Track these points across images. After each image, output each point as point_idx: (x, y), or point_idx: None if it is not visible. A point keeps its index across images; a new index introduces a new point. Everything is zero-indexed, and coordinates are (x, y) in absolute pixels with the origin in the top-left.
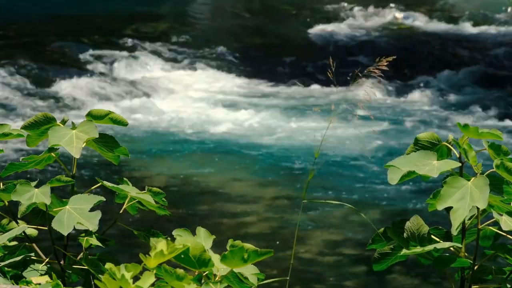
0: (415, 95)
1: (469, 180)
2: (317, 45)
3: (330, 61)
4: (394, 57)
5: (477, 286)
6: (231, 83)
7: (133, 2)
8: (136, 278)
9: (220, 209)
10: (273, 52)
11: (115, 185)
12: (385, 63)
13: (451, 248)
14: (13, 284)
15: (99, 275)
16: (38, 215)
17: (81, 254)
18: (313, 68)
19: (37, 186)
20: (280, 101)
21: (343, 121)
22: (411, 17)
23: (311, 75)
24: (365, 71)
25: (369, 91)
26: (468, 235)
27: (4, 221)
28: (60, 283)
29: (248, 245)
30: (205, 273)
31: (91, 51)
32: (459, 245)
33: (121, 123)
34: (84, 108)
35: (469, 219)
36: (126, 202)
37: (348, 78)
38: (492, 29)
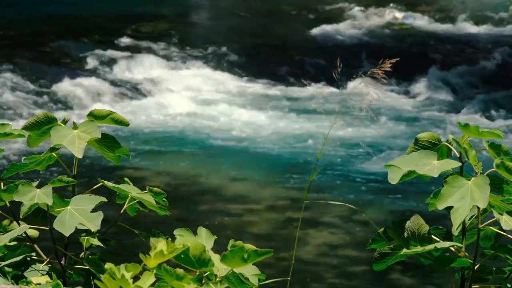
0: (415, 95)
1: (469, 179)
2: (317, 45)
3: (338, 61)
4: (398, 59)
5: (477, 286)
6: (231, 83)
7: (133, 2)
8: (136, 278)
9: (220, 209)
10: (273, 52)
11: (116, 185)
12: (389, 65)
13: (451, 248)
14: (13, 284)
15: (100, 275)
16: (39, 215)
17: (82, 254)
18: (313, 68)
19: (38, 187)
20: (281, 101)
21: (345, 121)
22: (411, 17)
23: (312, 75)
24: (369, 72)
25: (372, 92)
26: (469, 235)
27: (5, 222)
28: (60, 283)
29: (248, 245)
30: (206, 274)
31: (91, 51)
32: (460, 245)
33: (123, 123)
34: (84, 108)
35: (470, 219)
36: (127, 202)
37: (353, 78)
38: (492, 29)
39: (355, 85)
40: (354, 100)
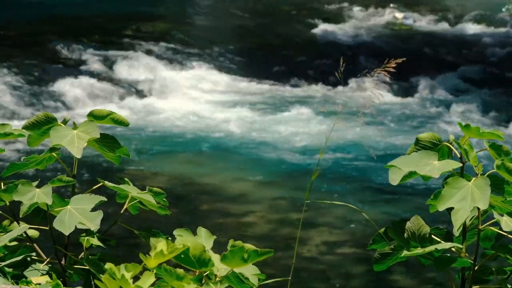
0: (415, 95)
1: (470, 180)
2: (318, 45)
3: (341, 61)
4: (404, 59)
5: (477, 287)
6: (231, 83)
7: (133, 2)
8: (136, 278)
9: (220, 209)
10: (273, 52)
11: (116, 185)
12: (393, 65)
13: (452, 249)
14: (13, 284)
15: (100, 275)
16: (39, 215)
17: (82, 254)
18: (313, 68)
19: (38, 186)
20: (281, 101)
21: (348, 121)
22: (411, 17)
23: (312, 75)
24: (372, 72)
25: (375, 92)
26: (469, 236)
27: (5, 222)
28: (60, 283)
29: (248, 245)
30: (206, 273)
31: (91, 51)
32: (460, 246)
33: (122, 123)
34: (84, 108)
35: (470, 219)
36: (127, 202)
37: (358, 76)
38: (492, 29)
39: (358, 85)
40: (357, 100)
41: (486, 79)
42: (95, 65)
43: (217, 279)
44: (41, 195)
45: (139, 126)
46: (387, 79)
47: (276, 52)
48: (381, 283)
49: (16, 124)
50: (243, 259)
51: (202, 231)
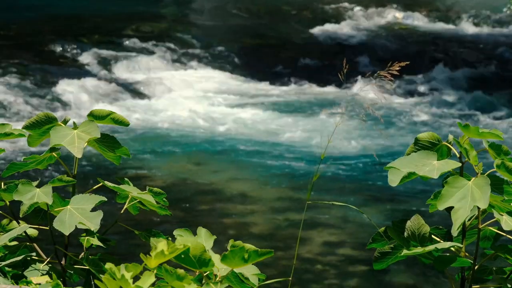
0: (415, 95)
1: (469, 180)
2: (318, 45)
3: (344, 62)
4: (408, 62)
5: (477, 286)
6: (231, 83)
7: (133, 2)
8: (136, 278)
9: (220, 209)
10: (273, 52)
11: (116, 185)
12: (397, 68)
13: (452, 248)
14: (13, 284)
15: (100, 275)
16: (39, 215)
17: (82, 254)
18: (313, 68)
19: (38, 186)
20: (281, 101)
21: (349, 123)
22: (411, 17)
23: (312, 75)
24: (375, 75)
25: (378, 94)
26: (469, 235)
27: (5, 221)
28: (60, 283)
29: (249, 245)
30: (206, 273)
31: (91, 51)
32: (460, 245)
33: (123, 123)
34: (84, 108)
35: (469, 220)
36: (127, 202)
37: (363, 77)
38: (492, 29)
39: (360, 86)
40: (359, 101)
41: (486, 78)
42: (95, 65)
43: (217, 279)
44: (41, 195)
45: (139, 126)
46: (390, 82)
47: (276, 52)
48: (381, 283)
49: (16, 125)
50: (243, 259)
51: (202, 231)
